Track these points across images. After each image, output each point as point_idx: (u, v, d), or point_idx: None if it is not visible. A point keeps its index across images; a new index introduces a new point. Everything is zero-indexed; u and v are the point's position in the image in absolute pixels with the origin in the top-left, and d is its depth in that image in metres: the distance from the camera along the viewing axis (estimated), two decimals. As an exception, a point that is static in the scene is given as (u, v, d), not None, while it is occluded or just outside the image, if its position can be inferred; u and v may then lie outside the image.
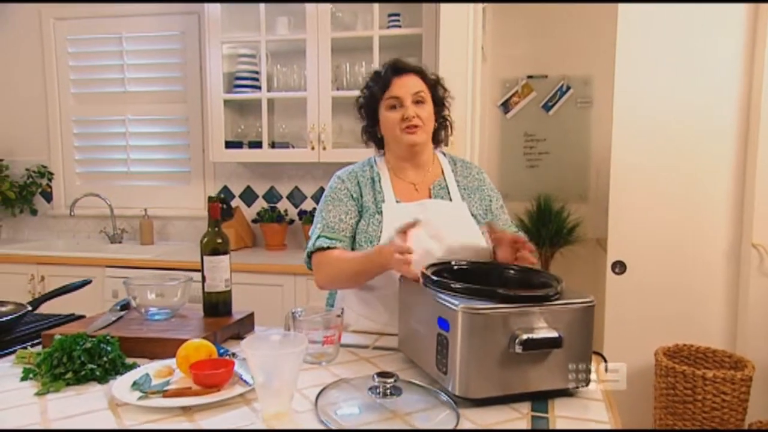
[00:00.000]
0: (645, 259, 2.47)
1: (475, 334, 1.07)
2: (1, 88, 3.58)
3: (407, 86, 1.55)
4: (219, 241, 1.52)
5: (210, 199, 1.53)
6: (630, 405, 2.48)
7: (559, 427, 1.01)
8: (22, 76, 3.54)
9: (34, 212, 3.56)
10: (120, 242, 3.41)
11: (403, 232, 1.34)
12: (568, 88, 3.60)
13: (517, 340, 1.06)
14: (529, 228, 3.52)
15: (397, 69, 1.57)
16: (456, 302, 1.08)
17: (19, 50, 3.52)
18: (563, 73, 3.60)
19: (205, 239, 1.51)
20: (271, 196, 3.32)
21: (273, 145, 3.06)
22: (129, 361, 1.25)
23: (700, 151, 2.40)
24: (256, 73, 3.02)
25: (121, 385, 1.10)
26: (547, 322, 1.10)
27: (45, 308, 2.91)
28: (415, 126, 1.54)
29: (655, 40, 2.41)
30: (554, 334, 1.08)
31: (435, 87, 1.62)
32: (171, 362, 1.20)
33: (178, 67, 3.38)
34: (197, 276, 1.55)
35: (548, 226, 3.45)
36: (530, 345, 1.06)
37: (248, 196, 3.35)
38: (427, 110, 1.57)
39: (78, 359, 1.15)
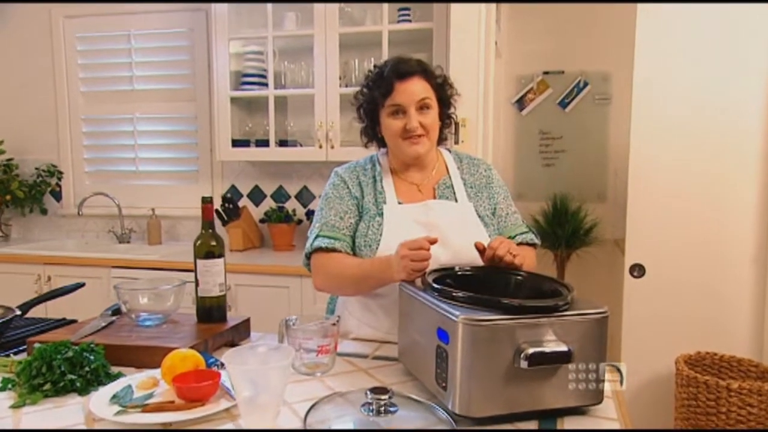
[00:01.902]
0: (665, 262, 2.36)
1: (476, 347, 0.98)
2: (12, 86, 3.57)
3: (411, 93, 1.44)
4: (213, 243, 1.46)
5: (203, 200, 1.46)
6: (649, 416, 2.38)
7: (567, 450, 0.93)
8: (32, 74, 3.52)
9: (44, 211, 3.54)
10: (128, 242, 3.37)
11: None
12: (586, 84, 3.49)
13: (522, 355, 0.98)
14: (544, 228, 3.42)
15: (400, 73, 1.44)
16: (456, 312, 1.00)
17: (29, 49, 3.51)
18: (580, 68, 3.48)
19: (199, 242, 1.45)
20: (280, 195, 3.26)
21: (281, 144, 3.00)
22: (115, 370, 1.20)
23: (725, 149, 2.28)
24: (264, 70, 2.96)
25: (100, 398, 1.04)
26: (555, 335, 1.01)
27: (49, 311, 2.89)
28: (419, 136, 1.45)
29: (676, 33, 2.30)
30: (563, 347, 1.00)
31: (441, 87, 1.52)
32: (157, 373, 1.14)
33: (186, 64, 3.34)
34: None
35: (564, 227, 3.34)
36: (537, 360, 0.98)
37: (256, 195, 3.29)
38: (432, 116, 1.47)
39: (58, 369, 1.10)
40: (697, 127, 2.30)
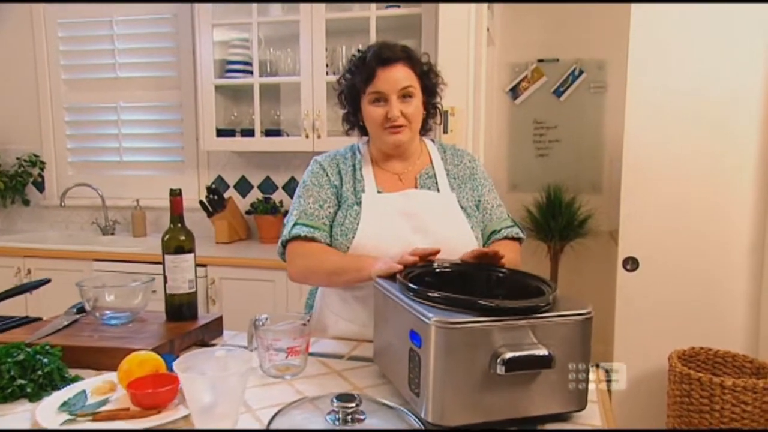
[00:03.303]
0: (659, 255, 2.30)
1: (450, 351, 0.92)
2: (-8, 74, 3.47)
3: (393, 80, 1.37)
4: (182, 238, 1.39)
5: (172, 192, 1.39)
6: (641, 414, 2.32)
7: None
8: (13, 61, 3.42)
9: (26, 202, 3.46)
10: (112, 234, 3.30)
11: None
12: (581, 72, 3.41)
13: (499, 360, 0.91)
14: (538, 220, 3.36)
15: (383, 59, 1.38)
16: (429, 314, 0.93)
17: (9, 35, 3.41)
18: (576, 56, 3.40)
19: (167, 236, 1.38)
20: (267, 186, 3.18)
21: (268, 134, 2.92)
22: (73, 373, 1.13)
23: (722, 139, 2.21)
24: (250, 57, 2.88)
25: (49, 405, 0.97)
26: (536, 338, 0.95)
27: (30, 307, 2.81)
28: (400, 126, 1.39)
29: (672, 19, 2.22)
30: (543, 351, 0.93)
31: (426, 75, 1.45)
32: (115, 376, 1.07)
33: (170, 51, 3.24)
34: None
35: (558, 219, 3.28)
36: (515, 365, 0.91)
37: (243, 186, 3.21)
38: (415, 105, 1.41)
39: (7, 374, 1.03)
40: (694, 116, 2.22)
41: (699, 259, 2.26)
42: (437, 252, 1.19)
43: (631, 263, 2.33)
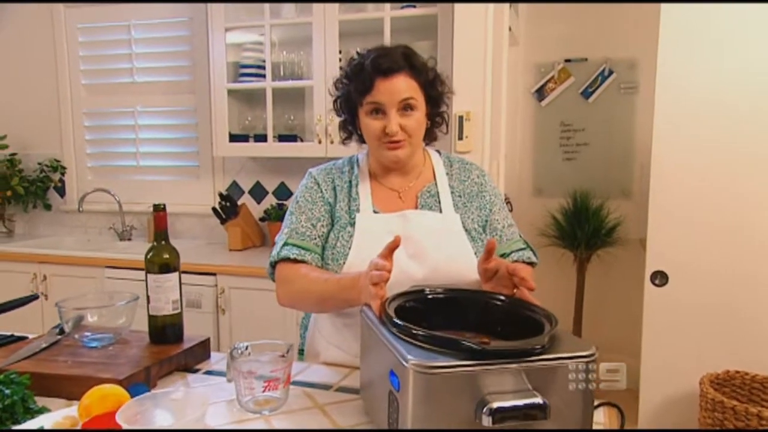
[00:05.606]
0: (690, 269, 2.14)
1: (430, 398, 0.82)
2: (13, 79, 3.49)
3: (393, 91, 1.24)
4: (167, 256, 1.31)
5: (155, 207, 1.32)
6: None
7: None
8: (34, 66, 3.43)
9: (47, 207, 3.48)
10: (129, 239, 3.29)
11: (386, 255, 1.06)
12: (611, 72, 3.25)
13: (485, 410, 0.80)
14: (563, 227, 3.21)
15: (382, 69, 1.25)
16: (408, 356, 0.83)
17: (30, 40, 3.43)
18: (605, 55, 3.24)
19: (150, 254, 1.30)
20: (282, 192, 3.11)
21: (282, 139, 2.85)
22: (41, 403, 1.06)
23: (758, 145, 2.04)
24: (262, 61, 2.81)
25: (1, 444, 0.91)
26: (529, 383, 0.84)
27: (46, 316, 2.79)
28: (399, 140, 1.28)
29: (704, 17, 2.06)
30: (537, 399, 0.82)
31: (431, 84, 1.32)
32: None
33: (186, 55, 3.21)
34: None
35: (585, 226, 3.13)
36: (502, 416, 0.80)
37: (258, 192, 3.15)
38: (416, 117, 1.28)
39: (-36, 406, 0.97)
40: (729, 119, 2.06)
41: (734, 274, 2.09)
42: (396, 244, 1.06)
43: (660, 278, 2.18)
